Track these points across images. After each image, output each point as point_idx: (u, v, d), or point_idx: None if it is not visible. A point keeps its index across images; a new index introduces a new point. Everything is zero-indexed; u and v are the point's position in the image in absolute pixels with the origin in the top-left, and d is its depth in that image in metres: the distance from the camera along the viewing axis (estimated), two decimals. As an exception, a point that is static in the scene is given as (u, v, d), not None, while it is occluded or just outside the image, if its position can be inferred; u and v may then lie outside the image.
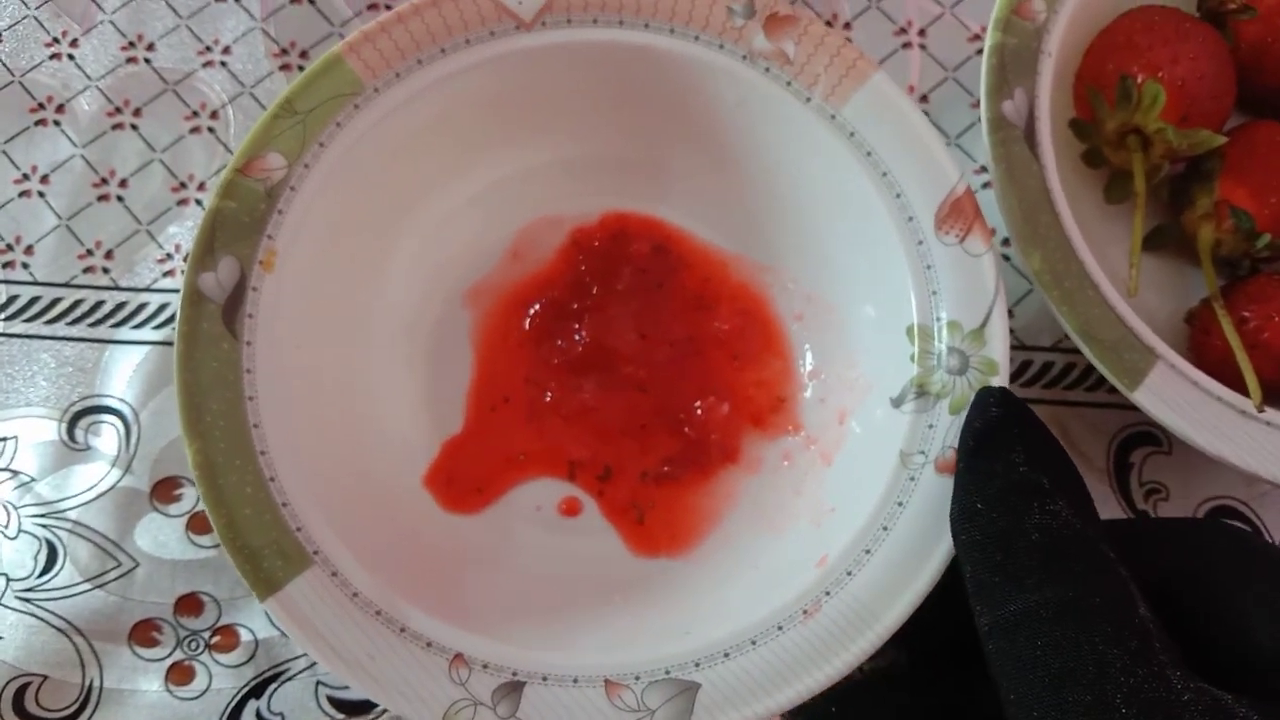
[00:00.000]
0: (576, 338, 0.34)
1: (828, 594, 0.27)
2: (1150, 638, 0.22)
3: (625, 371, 0.34)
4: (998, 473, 0.24)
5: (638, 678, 0.27)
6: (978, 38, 0.40)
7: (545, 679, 0.27)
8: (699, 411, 0.34)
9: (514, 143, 0.34)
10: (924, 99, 0.39)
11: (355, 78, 0.30)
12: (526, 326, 0.34)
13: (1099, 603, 0.22)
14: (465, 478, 0.33)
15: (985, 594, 0.23)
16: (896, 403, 0.30)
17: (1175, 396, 0.30)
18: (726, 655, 0.27)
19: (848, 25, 0.40)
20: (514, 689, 0.27)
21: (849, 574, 0.28)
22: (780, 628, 0.27)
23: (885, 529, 0.28)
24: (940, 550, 0.27)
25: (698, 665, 0.27)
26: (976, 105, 0.33)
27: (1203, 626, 0.24)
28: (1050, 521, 0.23)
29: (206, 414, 0.28)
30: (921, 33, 0.40)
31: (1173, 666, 0.21)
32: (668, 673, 0.27)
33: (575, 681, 0.27)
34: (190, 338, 0.28)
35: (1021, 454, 0.25)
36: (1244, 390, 0.31)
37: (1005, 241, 0.37)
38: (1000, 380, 0.28)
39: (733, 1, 0.31)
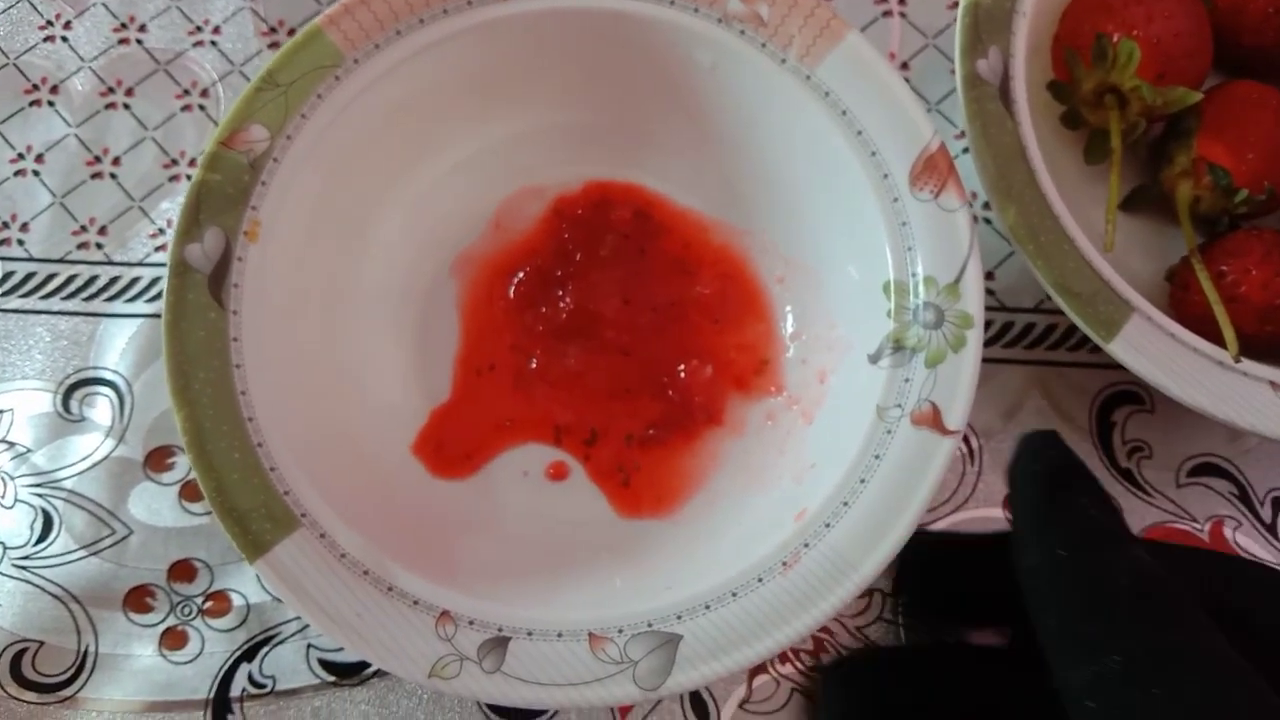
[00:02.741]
0: (561, 305, 0.35)
1: (806, 546, 0.28)
2: (1257, 677, 0.20)
3: (609, 336, 0.34)
4: (1073, 518, 0.23)
5: (620, 631, 0.27)
6: (957, 4, 0.40)
7: (530, 634, 0.27)
8: (682, 375, 0.34)
9: (494, 113, 0.35)
10: (904, 66, 0.40)
11: (335, 50, 0.31)
12: (511, 294, 0.35)
13: (1205, 647, 0.20)
14: (453, 444, 0.33)
15: (1078, 645, 0.21)
16: (874, 359, 0.30)
17: (1152, 348, 0.31)
18: (707, 607, 0.28)
19: (829, -4, 0.41)
20: (499, 644, 0.27)
21: (827, 526, 0.28)
22: (760, 579, 0.28)
23: (863, 481, 0.28)
24: (916, 499, 0.27)
25: (679, 618, 0.27)
26: (955, 72, 0.33)
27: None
28: (1134, 566, 0.22)
29: (194, 382, 0.28)
30: (901, 0, 0.41)
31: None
32: (650, 625, 0.27)
33: (559, 636, 0.27)
34: (177, 308, 0.29)
35: (1086, 499, 0.24)
36: (1223, 343, 0.31)
37: (987, 205, 0.38)
38: (975, 332, 0.29)
39: None
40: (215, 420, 0.28)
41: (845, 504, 0.28)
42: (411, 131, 0.34)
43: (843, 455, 0.29)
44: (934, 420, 0.28)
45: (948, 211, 0.30)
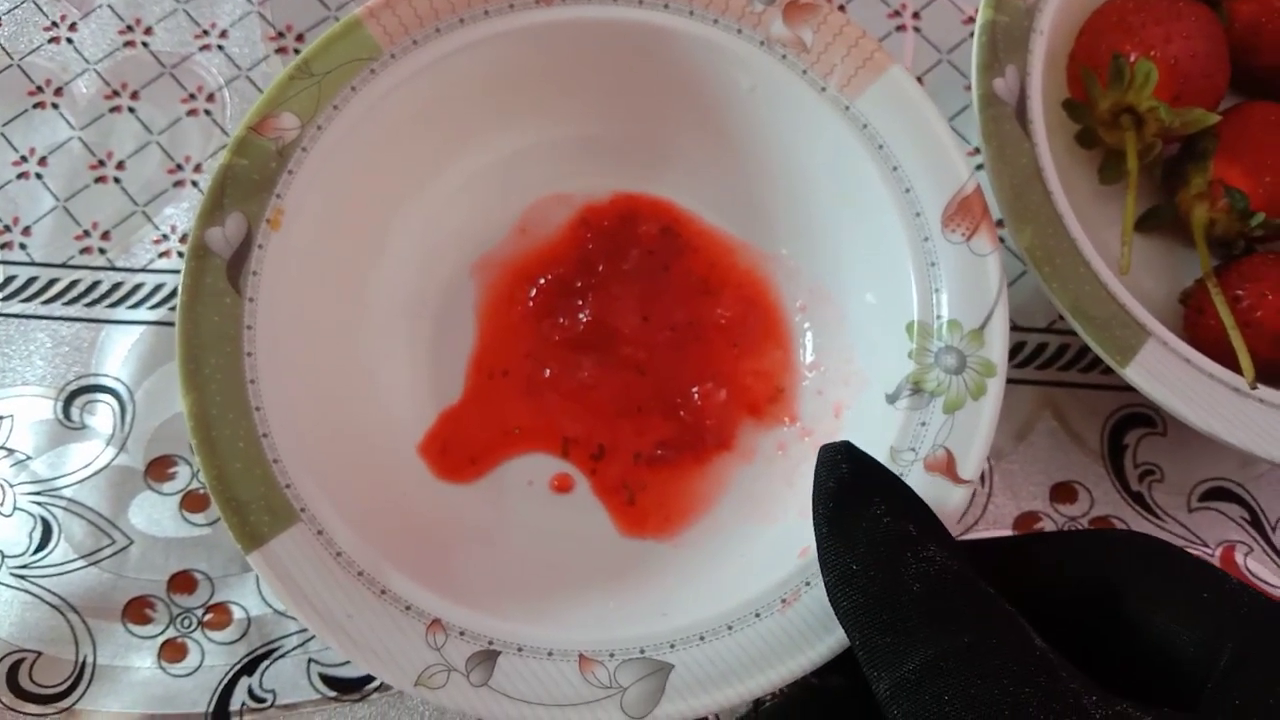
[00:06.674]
0: (579, 316, 0.34)
1: (808, 584, 0.27)
2: (1055, 668, 0.20)
3: (625, 352, 0.34)
4: (863, 529, 0.23)
5: (612, 655, 0.27)
6: (971, 20, 0.40)
7: (520, 650, 0.27)
8: (696, 397, 0.34)
9: (527, 118, 0.34)
10: (918, 81, 0.39)
11: (374, 43, 0.31)
12: (530, 301, 0.34)
13: (996, 643, 0.21)
14: (460, 447, 0.33)
15: (879, 657, 0.21)
16: (891, 399, 0.29)
17: (1167, 373, 0.30)
18: (702, 639, 0.27)
19: (842, 8, 0.40)
20: (488, 658, 0.27)
21: None
22: (758, 615, 0.27)
23: None
24: None
25: (673, 646, 0.27)
26: (970, 88, 0.33)
27: (1122, 639, 0.23)
28: (927, 569, 0.22)
29: (205, 366, 0.28)
30: (915, 15, 0.40)
31: (1086, 693, 0.20)
32: (642, 652, 0.27)
33: (550, 654, 0.27)
34: (194, 290, 0.29)
35: (882, 505, 0.24)
36: (1238, 369, 0.31)
37: (999, 222, 0.37)
38: (997, 381, 0.28)
39: None
40: (222, 407, 0.28)
41: None
42: (443, 131, 0.33)
43: None
44: (947, 467, 0.28)
45: (979, 256, 0.29)
